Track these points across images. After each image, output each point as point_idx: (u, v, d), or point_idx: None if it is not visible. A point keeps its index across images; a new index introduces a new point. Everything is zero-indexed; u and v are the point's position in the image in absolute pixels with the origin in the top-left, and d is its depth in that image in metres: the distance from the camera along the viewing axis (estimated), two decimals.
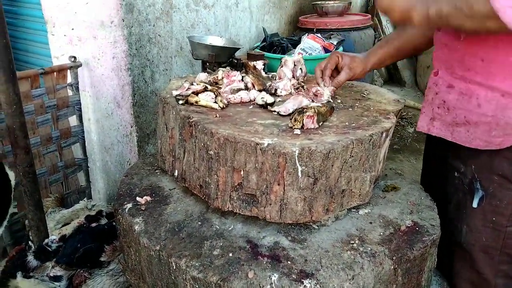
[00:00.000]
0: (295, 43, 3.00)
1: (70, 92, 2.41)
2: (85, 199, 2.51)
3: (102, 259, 1.81)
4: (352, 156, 1.21)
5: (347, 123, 1.33)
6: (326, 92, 1.50)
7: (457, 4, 1.06)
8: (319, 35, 2.98)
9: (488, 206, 1.33)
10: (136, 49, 2.32)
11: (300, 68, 1.69)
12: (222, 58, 2.34)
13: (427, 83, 1.45)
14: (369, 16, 3.68)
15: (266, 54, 2.74)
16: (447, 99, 1.34)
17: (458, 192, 1.42)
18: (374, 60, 1.57)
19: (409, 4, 1.15)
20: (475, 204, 1.35)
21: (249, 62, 1.67)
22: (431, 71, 1.44)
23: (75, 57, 2.34)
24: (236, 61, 2.38)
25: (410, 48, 1.58)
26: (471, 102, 1.27)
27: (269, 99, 1.44)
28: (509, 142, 1.23)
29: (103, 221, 2.07)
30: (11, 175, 1.68)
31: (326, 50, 2.86)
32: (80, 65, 2.37)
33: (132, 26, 2.26)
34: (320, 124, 1.31)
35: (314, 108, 1.30)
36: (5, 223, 1.66)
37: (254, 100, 1.49)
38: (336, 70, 1.58)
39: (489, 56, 1.21)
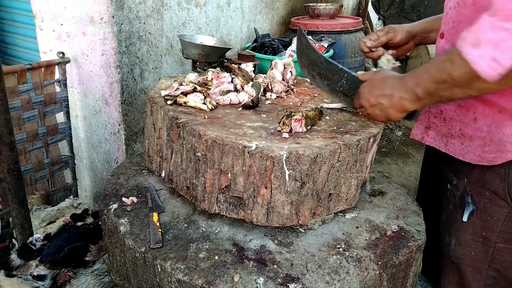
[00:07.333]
0: (286, 45, 3.00)
1: (57, 88, 2.38)
2: (71, 197, 2.48)
3: (87, 258, 1.80)
4: (340, 161, 1.22)
5: (335, 128, 1.34)
6: (387, 56, 1.48)
7: (436, 77, 1.05)
8: (310, 37, 2.98)
9: (479, 221, 1.31)
10: (126, 47, 2.30)
11: (290, 71, 1.69)
12: (213, 58, 2.33)
13: None
14: (360, 19, 3.69)
15: (257, 55, 2.73)
16: (444, 109, 1.33)
17: (449, 204, 1.40)
18: (417, 28, 1.52)
19: (395, 101, 1.17)
20: (465, 218, 1.33)
21: (233, 65, 1.66)
22: None
23: (63, 53, 2.31)
24: (226, 61, 2.37)
25: None
26: (467, 115, 1.26)
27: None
28: (500, 159, 1.21)
29: (89, 220, 2.05)
30: None
31: None
32: (69, 61, 2.34)
33: (122, 23, 2.24)
34: (308, 128, 1.31)
35: (302, 112, 1.30)
36: None
37: (243, 102, 1.48)
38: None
39: None
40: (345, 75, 1.38)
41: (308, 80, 1.87)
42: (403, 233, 1.33)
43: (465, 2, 1.17)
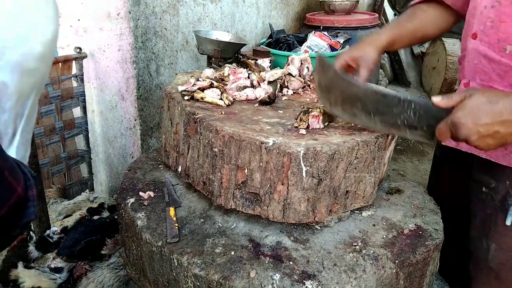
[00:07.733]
0: (302, 40, 2.98)
1: (74, 83, 2.41)
2: (87, 191, 2.52)
3: (103, 252, 1.82)
4: (357, 158, 1.21)
5: (352, 124, 1.32)
6: None
7: None
8: (325, 33, 2.96)
9: None
10: (142, 42, 2.31)
11: (307, 67, 1.68)
12: (228, 53, 2.32)
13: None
14: (376, 15, 3.65)
15: (272, 50, 2.72)
16: None
17: (485, 208, 1.33)
18: (384, 43, 1.40)
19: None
20: (508, 222, 1.27)
21: (250, 60, 1.66)
22: (460, 81, 1.33)
23: (80, 48, 2.33)
24: (241, 57, 2.37)
25: (420, 35, 1.44)
26: None
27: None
28: None
29: (105, 214, 2.07)
30: None
31: (332, 49, 2.85)
32: (86, 57, 2.36)
33: (138, 19, 2.25)
34: (325, 124, 1.30)
35: (319, 108, 1.29)
36: None
37: (260, 97, 1.48)
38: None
39: None
40: (411, 105, 1.11)
41: None
42: (420, 232, 1.31)
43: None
